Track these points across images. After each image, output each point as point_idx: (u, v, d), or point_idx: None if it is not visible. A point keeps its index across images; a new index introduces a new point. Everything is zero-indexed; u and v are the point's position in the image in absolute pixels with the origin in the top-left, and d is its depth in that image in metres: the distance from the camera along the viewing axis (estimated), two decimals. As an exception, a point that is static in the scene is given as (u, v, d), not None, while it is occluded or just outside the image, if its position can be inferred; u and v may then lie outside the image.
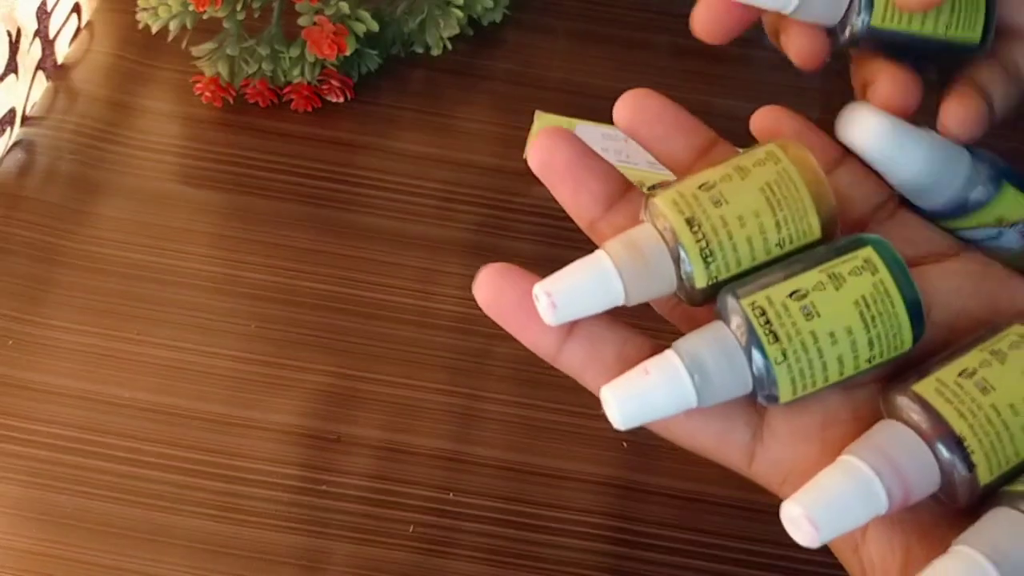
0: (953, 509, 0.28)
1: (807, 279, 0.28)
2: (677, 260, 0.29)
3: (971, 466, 0.27)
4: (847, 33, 0.34)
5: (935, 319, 0.30)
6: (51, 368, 0.51)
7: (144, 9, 0.59)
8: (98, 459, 0.48)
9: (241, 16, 0.58)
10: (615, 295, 0.29)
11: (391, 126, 0.61)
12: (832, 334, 0.27)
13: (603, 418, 0.52)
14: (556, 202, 0.58)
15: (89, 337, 0.52)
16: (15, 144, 0.59)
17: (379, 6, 0.61)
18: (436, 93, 0.63)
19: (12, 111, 0.58)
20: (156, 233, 0.56)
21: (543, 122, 0.60)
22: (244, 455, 0.49)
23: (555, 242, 0.57)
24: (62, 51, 0.63)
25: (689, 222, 0.28)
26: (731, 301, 0.28)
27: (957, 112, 0.34)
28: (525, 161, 0.59)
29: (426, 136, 0.61)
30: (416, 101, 0.63)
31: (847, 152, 0.32)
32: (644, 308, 0.31)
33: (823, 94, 0.66)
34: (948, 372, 0.28)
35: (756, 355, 0.28)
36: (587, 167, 0.31)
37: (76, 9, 0.63)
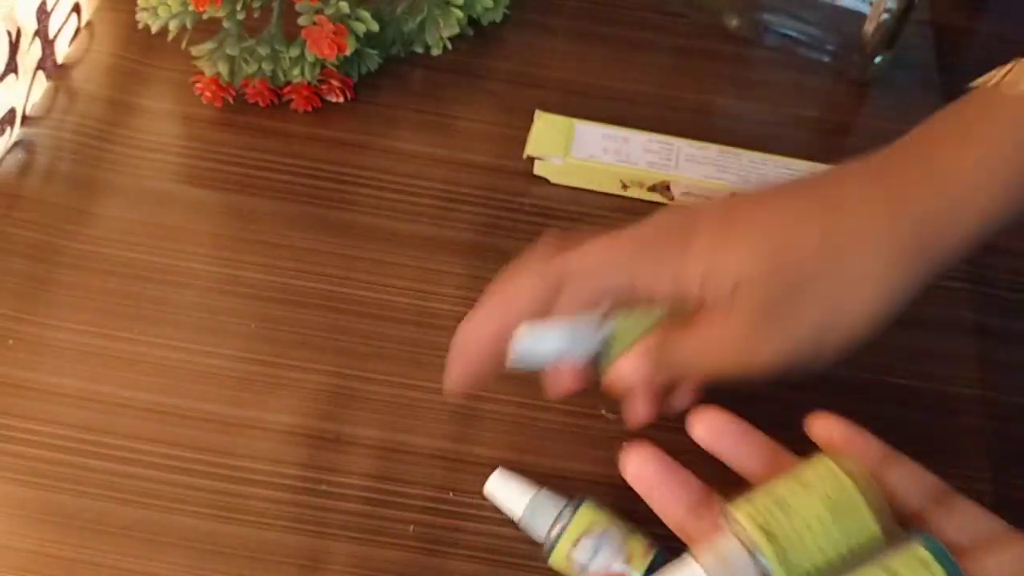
0: None
1: (869, 575, 0.32)
2: (760, 568, 0.33)
3: None
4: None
5: None
6: (51, 368, 0.51)
7: (144, 9, 0.59)
8: (98, 459, 0.48)
9: (241, 16, 0.58)
10: None
11: (391, 126, 0.61)
12: None
13: (603, 418, 0.52)
14: (555, 202, 0.59)
15: (89, 337, 0.52)
16: (15, 144, 0.59)
17: (379, 6, 0.61)
18: (436, 93, 0.63)
19: (12, 111, 0.58)
20: (156, 233, 0.56)
21: (543, 122, 0.59)
22: (244, 455, 0.49)
23: (555, 242, 0.57)
24: (62, 51, 0.63)
25: (767, 533, 0.33)
26: None
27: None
28: (525, 161, 0.59)
29: (426, 136, 0.61)
30: (416, 101, 0.63)
31: (894, 450, 0.36)
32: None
33: (822, 93, 0.66)
34: None
35: None
36: (674, 478, 0.37)
37: (76, 9, 0.63)
